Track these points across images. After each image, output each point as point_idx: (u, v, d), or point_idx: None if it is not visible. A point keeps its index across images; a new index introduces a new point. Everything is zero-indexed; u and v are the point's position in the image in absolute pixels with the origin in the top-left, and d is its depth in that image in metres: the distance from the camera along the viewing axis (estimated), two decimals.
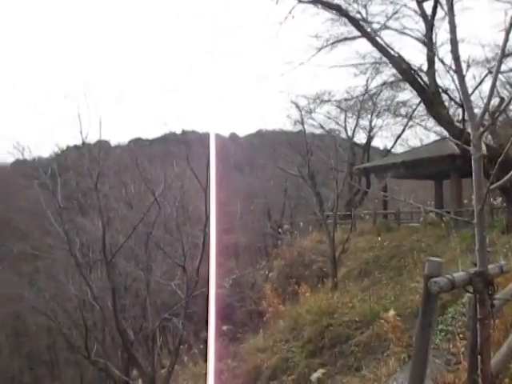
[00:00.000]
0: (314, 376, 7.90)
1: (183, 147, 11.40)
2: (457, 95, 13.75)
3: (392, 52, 11.82)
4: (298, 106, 22.24)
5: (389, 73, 17.17)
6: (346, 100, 23.53)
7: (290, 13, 11.17)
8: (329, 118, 26.64)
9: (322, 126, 26.67)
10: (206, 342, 14.32)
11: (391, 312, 7.18)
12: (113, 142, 34.19)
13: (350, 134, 26.61)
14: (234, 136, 46.41)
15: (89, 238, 11.62)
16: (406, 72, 11.80)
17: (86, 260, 10.51)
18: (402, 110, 24.53)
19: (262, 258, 25.48)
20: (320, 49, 12.59)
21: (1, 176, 32.00)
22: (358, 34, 12.04)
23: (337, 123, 27.14)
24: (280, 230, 23.50)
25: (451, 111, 13.19)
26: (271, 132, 33.89)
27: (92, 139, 10.97)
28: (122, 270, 11.56)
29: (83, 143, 9.60)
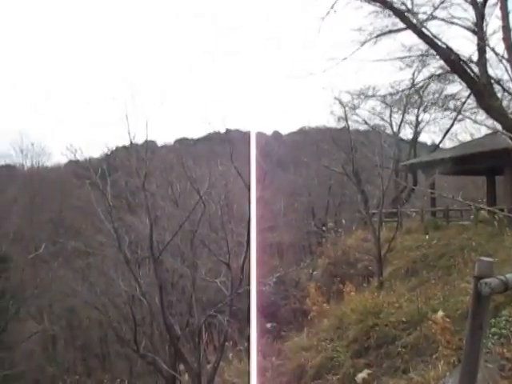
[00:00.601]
0: (359, 376, 7.79)
1: (227, 146, 11.52)
2: (511, 86, 13.08)
3: (439, 43, 11.40)
4: (341, 102, 21.93)
5: (436, 65, 16.53)
6: (391, 95, 22.94)
7: (332, 8, 11.04)
8: (373, 113, 26.15)
9: (366, 122, 26.21)
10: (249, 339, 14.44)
11: (440, 313, 6.95)
12: (159, 142, 35.04)
13: (395, 129, 26.00)
14: (276, 134, 46.36)
15: (137, 235, 11.97)
16: (455, 63, 11.36)
17: (135, 257, 10.85)
18: (451, 104, 23.67)
19: (306, 256, 25.40)
20: (363, 43, 12.34)
21: (55, 177, 33.61)
22: (403, 25, 11.70)
23: (382, 119, 26.59)
24: (324, 228, 23.32)
25: (504, 103, 12.53)
26: (314, 129, 33.61)
27: (139, 140, 11.30)
28: (168, 267, 11.84)
29: (131, 144, 9.92)
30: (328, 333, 10.45)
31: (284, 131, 48.24)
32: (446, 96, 23.23)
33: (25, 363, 16.38)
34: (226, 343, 11.47)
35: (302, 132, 38.62)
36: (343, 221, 23.49)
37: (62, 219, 28.37)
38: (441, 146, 26.29)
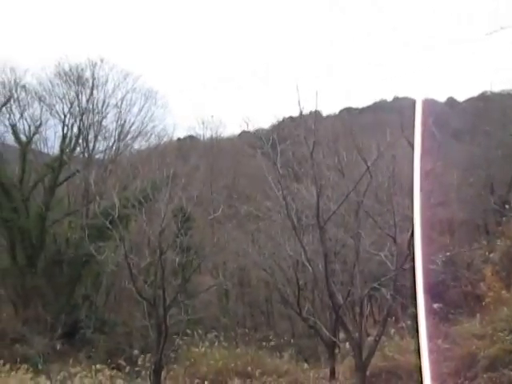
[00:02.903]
0: None
1: (395, 115, 10.93)
2: None
3: None
4: None
5: None
6: None
7: None
8: None
9: None
10: (413, 317, 13.86)
11: None
12: (324, 112, 35.03)
13: None
14: (451, 101, 42.09)
15: (302, 203, 12.34)
16: None
17: (301, 224, 11.23)
18: None
19: (481, 236, 23.02)
20: None
21: (230, 146, 36.64)
22: None
23: None
24: (506, 206, 20.64)
25: None
26: (499, 94, 29.59)
27: (306, 110, 11.48)
28: (331, 236, 11.98)
29: (301, 114, 10.14)
30: (507, 323, 9.42)
31: (461, 98, 43.45)
32: None
33: (203, 311, 18.69)
34: (388, 319, 11.23)
35: (484, 98, 34.26)
36: None
37: (236, 185, 30.92)
38: None
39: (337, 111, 41.93)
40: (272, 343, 15.41)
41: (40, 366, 13.50)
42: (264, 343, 15.42)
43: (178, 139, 38.98)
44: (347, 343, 11.63)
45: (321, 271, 10.04)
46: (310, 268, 10.00)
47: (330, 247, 10.72)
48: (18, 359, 13.91)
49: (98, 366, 11.09)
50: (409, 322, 13.41)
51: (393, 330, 12.52)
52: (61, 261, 23.65)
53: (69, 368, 12.11)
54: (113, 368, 12.16)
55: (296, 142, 15.91)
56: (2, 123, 26.16)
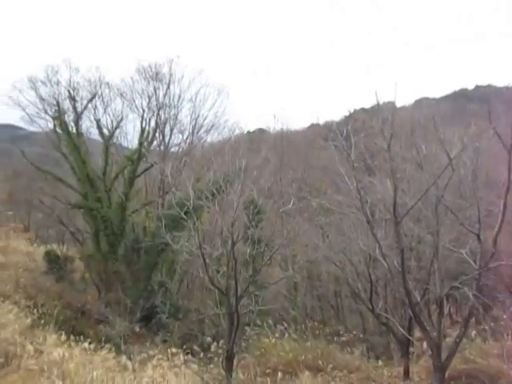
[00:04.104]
0: None
1: (476, 104, 10.22)
2: None
3: None
4: None
5: None
6: None
7: None
8: None
9: None
10: (497, 319, 13.02)
11: None
12: (398, 103, 33.76)
13: None
14: None
15: (376, 197, 12.00)
16: None
17: (374, 218, 10.92)
18: None
19: None
20: None
21: (300, 138, 36.53)
22: None
23: None
24: None
25: None
26: None
27: (379, 101, 11.07)
28: (407, 231, 11.54)
29: (378, 104, 9.82)
30: None
31: None
32: None
33: (272, 303, 18.84)
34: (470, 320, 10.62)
35: None
36: None
37: (306, 178, 30.76)
38: None
39: (412, 101, 40.24)
40: (343, 338, 15.18)
41: (122, 347, 14.38)
42: (335, 338, 15.22)
43: (248, 132, 39.57)
44: (422, 343, 11.18)
45: (396, 267, 9.69)
46: (385, 264, 9.68)
47: (405, 243, 10.31)
48: (103, 339, 14.94)
49: (173, 350, 11.55)
50: (492, 324, 12.66)
51: (473, 332, 11.84)
52: (139, 248, 24.99)
53: (148, 350, 12.77)
54: (187, 353, 12.62)
55: (369, 134, 15.48)
56: (87, 118, 28.06)
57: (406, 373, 11.70)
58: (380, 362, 13.16)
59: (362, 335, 18.18)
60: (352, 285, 14.87)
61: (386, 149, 8.54)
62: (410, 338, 11.61)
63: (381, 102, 10.73)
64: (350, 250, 13.72)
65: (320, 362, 12.40)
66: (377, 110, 12.37)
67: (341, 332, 16.80)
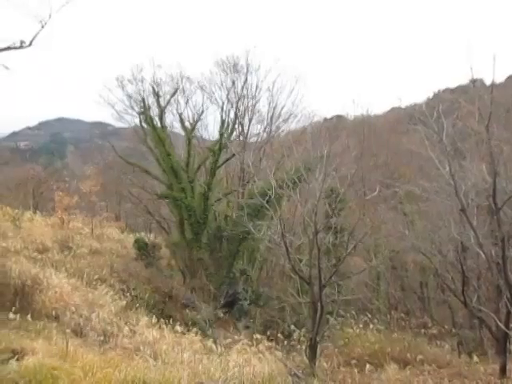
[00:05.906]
0: None
1: None
2: None
3: None
4: None
5: None
6: None
7: None
8: None
9: None
10: None
11: None
12: (488, 81, 31.10)
13: None
14: None
15: (468, 183, 11.17)
16: None
17: (471, 205, 10.19)
18: None
19: None
20: None
21: (381, 123, 35.17)
22: None
23: None
24: None
25: None
26: None
27: (466, 80, 10.26)
28: (505, 220, 10.63)
29: (473, 81, 9.08)
30: None
31: None
32: None
33: (355, 292, 18.47)
34: None
35: None
36: None
37: (388, 164, 29.60)
38: None
39: (503, 79, 36.86)
40: (432, 331, 14.47)
41: (208, 331, 14.94)
42: (422, 330, 14.57)
43: (325, 119, 38.85)
44: None
45: (493, 257, 8.98)
46: (481, 254, 9.01)
47: (504, 231, 9.50)
48: (189, 323, 15.64)
49: (258, 336, 11.77)
50: None
51: None
52: (221, 237, 25.72)
53: (232, 335, 13.16)
54: (270, 340, 12.80)
55: (461, 115, 14.43)
56: (170, 113, 29.24)
57: (503, 370, 10.86)
58: (475, 358, 12.35)
59: (452, 329, 17.21)
60: (441, 275, 14.08)
61: (480, 131, 7.87)
62: (509, 333, 10.73)
63: (467, 81, 9.91)
64: (439, 239, 12.98)
65: (408, 354, 11.92)
66: (467, 89, 11.47)
67: (429, 324, 16.04)
